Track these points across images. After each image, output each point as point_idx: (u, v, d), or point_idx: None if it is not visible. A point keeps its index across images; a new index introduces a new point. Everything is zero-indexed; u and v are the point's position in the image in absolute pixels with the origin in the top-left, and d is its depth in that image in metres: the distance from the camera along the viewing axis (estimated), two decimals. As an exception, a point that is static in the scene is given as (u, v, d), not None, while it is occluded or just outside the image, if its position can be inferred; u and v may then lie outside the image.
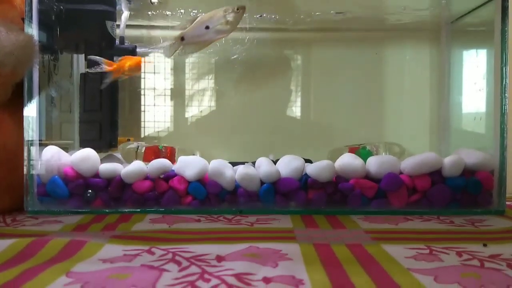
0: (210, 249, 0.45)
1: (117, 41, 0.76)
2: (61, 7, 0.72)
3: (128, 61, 0.72)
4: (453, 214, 0.65)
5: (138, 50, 0.76)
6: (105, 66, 0.69)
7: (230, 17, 0.66)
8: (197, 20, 0.67)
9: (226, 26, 0.67)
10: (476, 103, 0.76)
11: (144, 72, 0.86)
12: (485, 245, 0.47)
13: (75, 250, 0.44)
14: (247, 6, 0.68)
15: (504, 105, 0.66)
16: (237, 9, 0.67)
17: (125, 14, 0.76)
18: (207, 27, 0.67)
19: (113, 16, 0.75)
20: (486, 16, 0.70)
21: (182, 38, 0.68)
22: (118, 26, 0.76)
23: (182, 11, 0.77)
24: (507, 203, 0.67)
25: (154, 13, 0.78)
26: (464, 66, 0.82)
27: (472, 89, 0.77)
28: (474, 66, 0.78)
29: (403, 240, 0.50)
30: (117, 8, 0.75)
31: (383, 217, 0.63)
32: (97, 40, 0.74)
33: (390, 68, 0.89)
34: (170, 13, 0.78)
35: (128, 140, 0.79)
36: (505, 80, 0.66)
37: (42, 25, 0.67)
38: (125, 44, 0.77)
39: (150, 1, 0.77)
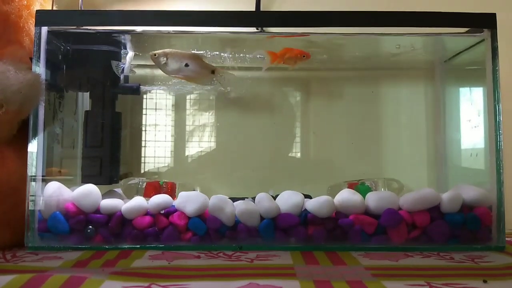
0: (210, 286, 0.45)
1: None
2: (68, 47, 0.74)
3: (287, 52, 0.75)
4: (453, 250, 0.65)
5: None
6: (268, 57, 0.75)
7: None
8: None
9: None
10: (472, 139, 0.77)
11: (146, 108, 0.88)
12: (485, 281, 0.47)
13: (75, 287, 0.43)
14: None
15: (499, 141, 0.67)
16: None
17: (130, 54, 0.79)
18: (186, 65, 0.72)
19: (117, 56, 0.77)
20: (478, 55, 0.73)
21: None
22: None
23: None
24: (507, 239, 0.67)
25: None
26: (459, 104, 0.84)
27: (467, 125, 0.79)
28: (468, 104, 0.80)
29: (403, 277, 0.50)
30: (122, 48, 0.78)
31: (383, 253, 0.63)
32: (102, 79, 0.76)
33: (387, 105, 0.90)
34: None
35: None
36: (498, 117, 0.68)
37: (49, 64, 0.69)
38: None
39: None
